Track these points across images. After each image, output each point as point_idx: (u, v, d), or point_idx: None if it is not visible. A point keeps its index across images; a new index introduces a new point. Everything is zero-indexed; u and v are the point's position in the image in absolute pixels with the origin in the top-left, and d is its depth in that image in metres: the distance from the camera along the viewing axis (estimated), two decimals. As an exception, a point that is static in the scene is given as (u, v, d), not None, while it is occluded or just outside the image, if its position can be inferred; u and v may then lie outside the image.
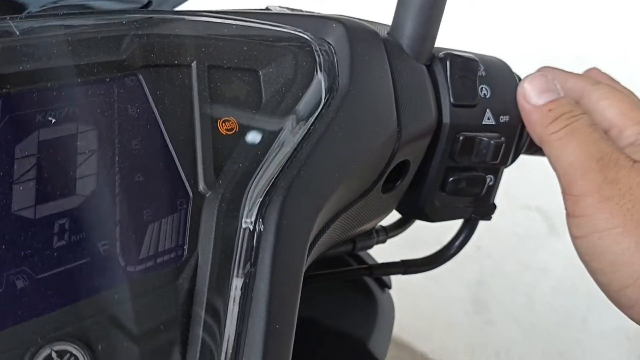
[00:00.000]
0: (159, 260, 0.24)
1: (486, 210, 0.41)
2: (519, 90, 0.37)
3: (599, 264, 0.33)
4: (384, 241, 0.43)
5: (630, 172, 0.33)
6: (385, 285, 0.51)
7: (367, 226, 0.38)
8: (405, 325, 1.85)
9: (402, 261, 0.42)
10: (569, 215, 0.35)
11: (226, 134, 0.27)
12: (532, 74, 0.38)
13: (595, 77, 0.45)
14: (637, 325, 1.17)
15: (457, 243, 0.42)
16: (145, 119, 0.25)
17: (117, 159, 0.24)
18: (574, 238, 0.35)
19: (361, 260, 0.45)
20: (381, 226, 0.44)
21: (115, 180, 0.24)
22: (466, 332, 1.70)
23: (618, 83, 0.45)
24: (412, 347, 1.84)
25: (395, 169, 0.35)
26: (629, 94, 0.43)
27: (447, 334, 1.75)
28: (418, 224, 0.44)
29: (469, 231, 0.42)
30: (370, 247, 0.43)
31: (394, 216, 0.45)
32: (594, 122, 0.35)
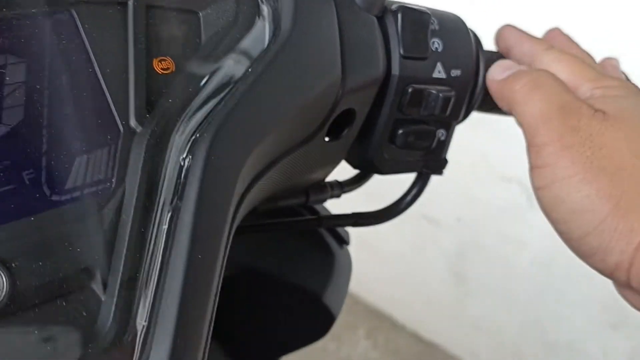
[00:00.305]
0: (85, 191, 0.24)
1: (438, 165, 0.41)
2: (486, 75, 0.40)
3: (559, 213, 0.34)
4: (338, 195, 0.44)
5: (590, 120, 0.34)
6: (344, 242, 0.52)
7: (317, 175, 0.38)
8: (385, 297, 1.88)
9: (353, 213, 0.43)
10: (532, 168, 0.35)
11: (162, 72, 0.27)
12: (497, 62, 0.40)
13: (554, 38, 0.45)
14: (612, 297, 1.20)
15: (408, 198, 0.42)
16: (78, 54, 0.25)
17: (46, 92, 0.24)
18: (536, 190, 0.35)
19: (315, 213, 0.45)
20: (336, 180, 0.44)
21: (43, 112, 0.24)
22: (446, 303, 1.73)
23: (577, 45, 0.45)
24: (393, 318, 1.87)
25: (342, 117, 0.35)
26: (584, 55, 0.44)
27: (427, 305, 1.78)
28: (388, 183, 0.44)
29: (420, 186, 0.42)
30: (324, 200, 0.43)
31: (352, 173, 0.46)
32: (555, 76, 0.36)
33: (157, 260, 0.24)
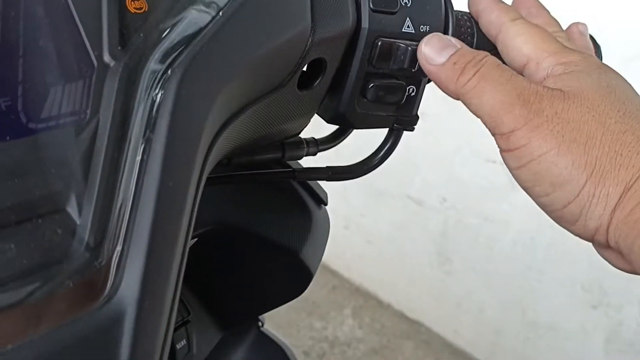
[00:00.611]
0: (61, 121, 0.25)
1: (409, 120, 0.42)
2: (419, 56, 0.38)
3: (540, 187, 0.35)
4: (314, 153, 0.45)
5: (552, 100, 0.35)
6: (322, 202, 0.53)
7: (291, 127, 0.40)
8: (371, 277, 1.90)
9: (327, 167, 0.44)
10: (503, 151, 0.36)
11: (135, 12, 0.28)
12: (428, 35, 0.38)
13: (524, 3, 0.46)
14: (592, 277, 1.23)
15: (381, 153, 0.44)
16: (52, -11, 0.26)
17: (21, 24, 0.25)
18: (512, 170, 0.36)
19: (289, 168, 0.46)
20: (312, 137, 0.45)
21: (19, 44, 0.25)
22: (430, 283, 1.76)
23: (545, 12, 0.46)
24: (378, 297, 1.89)
25: (313, 67, 0.36)
26: (552, 23, 0.45)
27: (412, 285, 1.80)
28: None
29: (393, 141, 0.43)
30: (300, 157, 0.45)
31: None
32: (498, 62, 0.37)
33: (131, 187, 0.26)
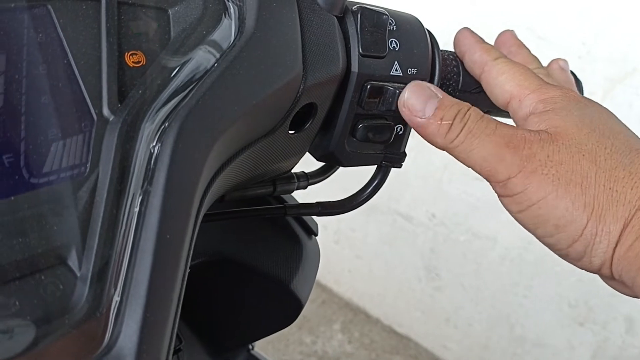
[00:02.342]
0: (62, 175, 0.26)
1: (397, 158, 0.44)
2: (402, 106, 0.38)
3: (544, 229, 0.35)
4: (304, 187, 0.46)
5: (541, 143, 0.35)
6: (312, 233, 0.54)
7: (283, 166, 0.41)
8: (361, 292, 1.91)
9: (317, 202, 0.45)
10: (501, 196, 0.37)
11: (133, 66, 0.29)
12: (408, 85, 0.38)
13: (505, 42, 0.48)
14: (578, 294, 1.24)
15: (369, 189, 0.45)
16: (54, 47, 0.27)
17: (24, 81, 0.26)
18: (514, 214, 0.37)
19: (283, 203, 0.47)
20: (303, 172, 0.47)
21: (22, 100, 0.26)
22: (419, 298, 1.77)
23: (526, 50, 0.48)
24: (368, 312, 1.90)
25: (304, 111, 0.37)
26: (532, 60, 0.46)
27: (401, 299, 1.81)
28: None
29: (381, 178, 0.45)
30: (291, 191, 0.46)
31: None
32: (481, 113, 0.38)
33: (129, 239, 0.27)
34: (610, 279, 0.36)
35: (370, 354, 1.77)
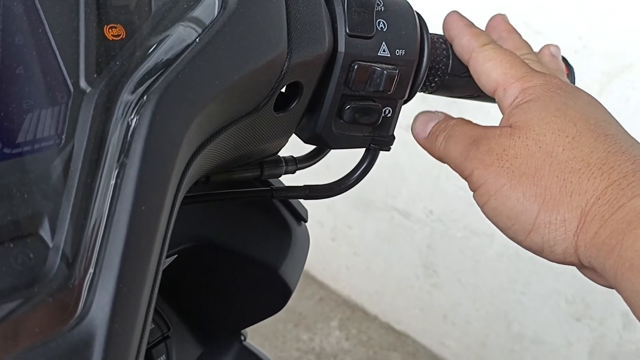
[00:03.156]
0: (36, 146, 0.26)
1: (385, 141, 0.43)
2: (412, 132, 0.44)
3: (501, 221, 0.37)
4: (293, 171, 0.46)
5: (499, 139, 0.38)
6: (302, 219, 0.54)
7: (268, 147, 0.40)
8: (358, 288, 1.91)
9: (305, 185, 0.44)
10: (473, 192, 0.39)
11: (112, 39, 0.29)
12: (417, 117, 0.44)
13: (496, 27, 0.48)
14: (575, 290, 1.24)
15: (358, 172, 0.44)
16: (30, 17, 0.27)
17: (-1, 51, 0.26)
18: (481, 207, 0.39)
19: (268, 186, 0.47)
20: (291, 156, 0.46)
21: (-5, 70, 0.26)
22: (416, 295, 1.76)
23: (516, 35, 0.47)
24: (365, 309, 1.89)
25: (290, 90, 0.37)
26: (522, 46, 0.46)
27: (399, 296, 1.81)
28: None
29: (369, 161, 0.44)
30: (279, 175, 0.45)
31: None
32: (464, 121, 0.41)
33: (104, 211, 0.26)
34: (582, 267, 0.36)
35: (368, 351, 1.77)
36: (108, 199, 0.26)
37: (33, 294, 0.24)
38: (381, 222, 1.74)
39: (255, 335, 0.61)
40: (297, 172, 0.46)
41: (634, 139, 0.37)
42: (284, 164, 0.45)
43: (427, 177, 1.59)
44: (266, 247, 0.51)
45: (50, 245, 0.25)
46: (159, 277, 0.29)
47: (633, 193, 0.32)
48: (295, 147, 0.46)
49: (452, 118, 0.42)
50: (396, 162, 1.58)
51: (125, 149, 0.27)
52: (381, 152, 0.44)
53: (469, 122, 0.41)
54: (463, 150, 0.39)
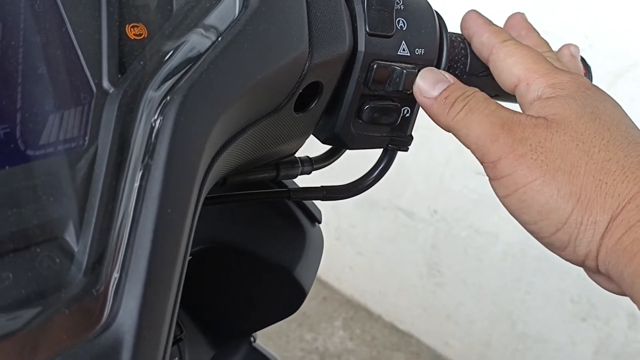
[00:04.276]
0: (59, 147, 0.25)
1: (403, 141, 0.43)
2: (414, 88, 0.40)
3: (528, 215, 0.35)
4: (309, 172, 0.45)
5: (535, 129, 0.36)
6: (316, 220, 0.53)
7: (287, 148, 0.40)
8: (362, 287, 1.90)
9: (322, 187, 0.44)
10: (491, 179, 0.37)
11: (134, 38, 0.28)
12: (422, 70, 0.40)
13: (514, 25, 0.47)
14: (580, 289, 1.24)
15: (375, 173, 0.44)
16: (52, 16, 0.26)
17: (21, 51, 0.25)
18: (501, 198, 0.37)
19: (284, 187, 0.46)
20: (307, 156, 0.46)
21: (18, 70, 0.25)
22: (420, 294, 1.76)
23: (535, 33, 0.47)
24: (369, 309, 1.89)
25: (309, 90, 0.36)
26: (542, 44, 0.46)
27: (402, 296, 1.80)
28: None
29: (387, 162, 0.44)
30: (295, 176, 0.45)
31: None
32: (485, 96, 0.38)
33: (129, 214, 0.26)
34: (595, 272, 0.35)
35: (372, 351, 1.76)
36: (133, 202, 0.26)
37: (59, 300, 0.24)
38: (385, 222, 1.74)
39: (258, 335, 0.61)
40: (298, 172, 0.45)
41: None
42: (300, 165, 0.44)
43: (431, 177, 1.58)
44: (280, 248, 0.50)
45: (76, 249, 0.25)
46: (182, 280, 0.29)
47: None
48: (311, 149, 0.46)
49: (466, 86, 0.39)
50: (400, 162, 1.57)
51: (149, 150, 0.26)
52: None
53: (489, 98, 0.38)
54: (491, 132, 0.36)
